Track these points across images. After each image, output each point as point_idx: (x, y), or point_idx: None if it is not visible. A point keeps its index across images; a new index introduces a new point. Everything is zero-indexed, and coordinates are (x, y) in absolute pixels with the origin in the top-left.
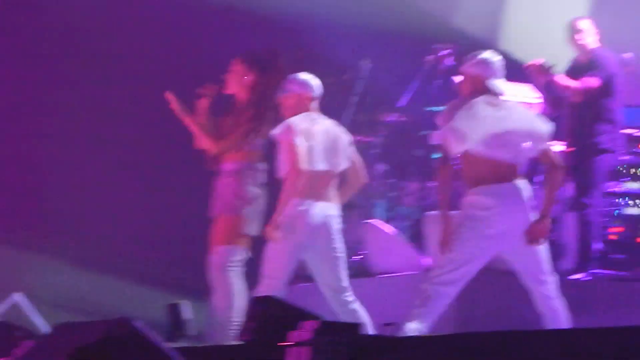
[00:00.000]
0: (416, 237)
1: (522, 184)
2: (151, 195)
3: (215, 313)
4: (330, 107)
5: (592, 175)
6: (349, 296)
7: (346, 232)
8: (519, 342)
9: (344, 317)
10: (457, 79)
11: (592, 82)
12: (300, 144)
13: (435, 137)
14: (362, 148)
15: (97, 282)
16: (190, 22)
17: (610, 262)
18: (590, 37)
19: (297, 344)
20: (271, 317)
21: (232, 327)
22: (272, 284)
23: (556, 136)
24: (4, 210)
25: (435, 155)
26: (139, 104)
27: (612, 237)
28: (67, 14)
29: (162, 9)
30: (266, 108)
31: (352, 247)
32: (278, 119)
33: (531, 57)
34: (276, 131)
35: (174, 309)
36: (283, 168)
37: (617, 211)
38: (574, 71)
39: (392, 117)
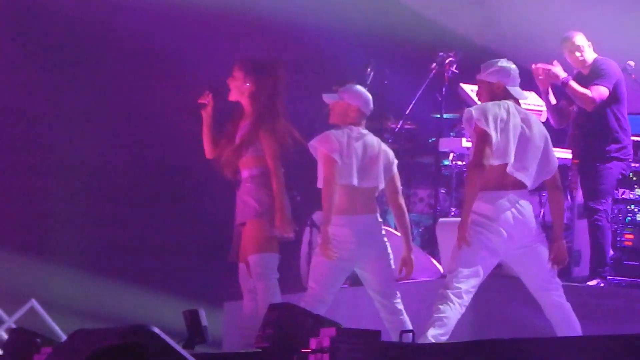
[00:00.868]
0: (428, 244)
1: (526, 193)
2: (166, 203)
3: (247, 320)
4: None
5: (602, 182)
6: (398, 303)
7: None
8: (536, 349)
9: (390, 324)
10: (464, 86)
11: (603, 91)
12: (336, 158)
13: (467, 139)
14: None
15: (111, 289)
16: (195, 30)
17: (625, 269)
18: (588, 51)
19: (316, 351)
20: (289, 324)
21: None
22: (318, 295)
23: (563, 144)
24: (20, 217)
25: (446, 162)
26: (153, 107)
27: (626, 243)
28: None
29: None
30: (270, 113)
31: None
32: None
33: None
34: (314, 141)
35: (193, 316)
36: (320, 180)
37: (628, 218)
38: (578, 83)
39: (399, 125)
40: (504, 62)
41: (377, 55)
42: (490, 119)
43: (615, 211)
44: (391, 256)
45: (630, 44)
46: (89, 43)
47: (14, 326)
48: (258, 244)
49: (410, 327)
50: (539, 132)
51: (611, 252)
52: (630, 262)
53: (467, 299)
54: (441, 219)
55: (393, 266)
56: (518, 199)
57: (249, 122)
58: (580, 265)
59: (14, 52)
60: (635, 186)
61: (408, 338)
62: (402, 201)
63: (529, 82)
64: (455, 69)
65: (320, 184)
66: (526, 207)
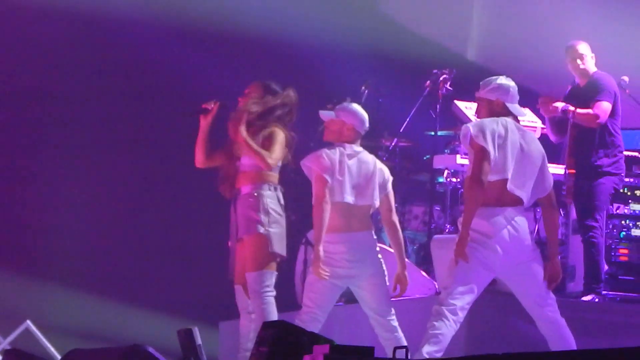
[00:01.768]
0: (423, 261)
1: (522, 210)
2: (162, 224)
3: (245, 338)
4: None
5: (596, 198)
6: (393, 320)
7: None
8: None
9: (385, 341)
10: (459, 104)
11: (606, 107)
12: (327, 177)
13: (462, 156)
14: None
15: (106, 309)
16: (193, 49)
17: (620, 284)
18: (590, 62)
19: None
20: (283, 342)
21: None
22: (313, 313)
23: (557, 159)
24: (14, 238)
25: (441, 179)
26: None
27: (621, 258)
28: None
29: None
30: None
31: None
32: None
33: (529, 81)
34: (306, 160)
35: (187, 335)
36: (313, 198)
37: (623, 233)
38: (574, 96)
39: (393, 142)
40: (503, 80)
41: (372, 73)
42: (488, 135)
43: (610, 226)
44: (386, 273)
45: (623, 59)
46: (88, 52)
47: (9, 347)
48: (258, 261)
49: (405, 344)
50: (537, 150)
51: (606, 267)
52: (625, 277)
53: (461, 315)
54: (436, 236)
55: (388, 283)
56: (514, 215)
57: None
58: (574, 281)
59: (11, 59)
60: (630, 201)
61: (402, 354)
62: (396, 219)
63: (523, 99)
64: (450, 86)
65: (313, 202)
66: (522, 223)
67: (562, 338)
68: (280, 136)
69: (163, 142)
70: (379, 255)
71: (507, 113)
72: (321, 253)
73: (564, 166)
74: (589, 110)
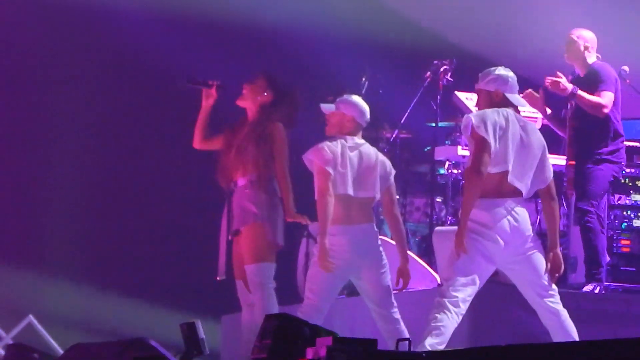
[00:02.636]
0: (425, 253)
1: (522, 201)
2: (164, 216)
3: (248, 332)
4: None
5: (591, 182)
6: (395, 313)
7: None
8: (533, 355)
9: (388, 333)
10: (459, 94)
11: (611, 96)
12: (329, 169)
13: (463, 147)
14: None
15: (109, 303)
16: (191, 41)
17: (622, 275)
18: (592, 52)
19: None
20: (286, 334)
21: None
22: (315, 305)
23: (558, 150)
24: (16, 233)
25: (442, 171)
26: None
27: (623, 249)
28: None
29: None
30: (271, 127)
31: None
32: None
33: (530, 71)
34: (308, 153)
35: (191, 328)
36: (316, 191)
37: (624, 224)
38: (575, 85)
39: (394, 134)
40: (501, 70)
41: (372, 65)
42: (489, 126)
43: (612, 217)
44: (387, 266)
45: (623, 48)
46: (85, 58)
47: (11, 342)
48: (256, 252)
49: (408, 336)
50: (537, 141)
51: (608, 258)
52: (627, 268)
53: (464, 307)
54: (437, 228)
55: (389, 276)
56: (514, 206)
57: (250, 127)
58: (576, 272)
59: (9, 64)
60: (631, 192)
61: (405, 346)
62: (397, 211)
63: (524, 89)
64: (450, 77)
65: (316, 196)
66: (522, 214)
67: (564, 329)
68: (282, 133)
69: (163, 135)
70: (380, 248)
71: (508, 103)
72: (327, 245)
73: (564, 157)
74: (597, 98)
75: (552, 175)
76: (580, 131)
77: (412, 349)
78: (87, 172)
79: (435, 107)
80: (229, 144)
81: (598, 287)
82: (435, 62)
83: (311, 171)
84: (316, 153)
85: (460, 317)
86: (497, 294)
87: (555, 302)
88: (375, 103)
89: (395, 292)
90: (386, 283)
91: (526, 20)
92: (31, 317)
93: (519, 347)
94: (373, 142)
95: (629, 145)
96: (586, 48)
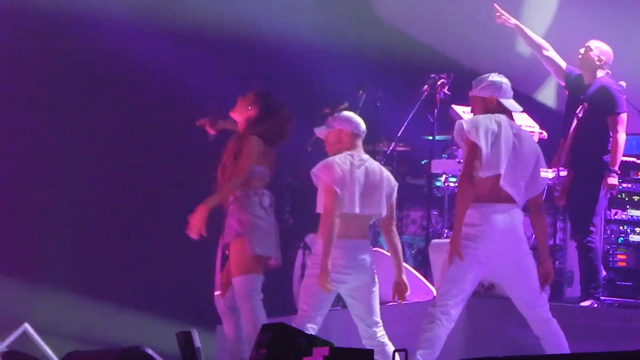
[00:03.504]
0: (421, 265)
1: (516, 207)
2: (160, 226)
3: (233, 342)
4: None
5: (597, 202)
6: (380, 330)
7: None
8: None
9: (372, 348)
10: (456, 108)
11: (625, 118)
12: (337, 188)
13: (458, 154)
14: None
15: (105, 312)
16: (187, 53)
17: (617, 289)
18: (606, 67)
19: None
20: (282, 344)
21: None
22: (308, 317)
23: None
24: (12, 241)
25: (438, 184)
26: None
27: (619, 264)
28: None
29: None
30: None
31: None
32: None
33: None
34: (316, 169)
35: (187, 337)
36: (319, 206)
37: (621, 239)
38: (576, 87)
39: (391, 147)
40: (494, 77)
41: (370, 78)
42: (481, 131)
43: (608, 232)
44: (377, 284)
45: (619, 64)
46: (82, 63)
47: (6, 350)
48: (241, 265)
49: (391, 349)
50: (530, 149)
51: (604, 273)
52: (622, 283)
53: (454, 313)
54: (434, 240)
55: (377, 294)
56: (509, 210)
57: (232, 142)
58: (572, 286)
59: (7, 66)
60: (628, 207)
61: (402, 357)
62: (394, 228)
63: (522, 105)
64: (447, 90)
65: (319, 209)
66: (517, 219)
67: (555, 338)
68: (252, 148)
69: (161, 146)
70: (373, 266)
71: (502, 109)
72: (329, 267)
73: (551, 170)
74: (621, 137)
75: (543, 186)
76: (585, 140)
77: None
78: (83, 181)
79: (432, 121)
80: (221, 159)
81: (595, 305)
82: (433, 75)
83: (316, 186)
84: (325, 170)
85: (452, 324)
86: (493, 307)
87: (545, 310)
88: (372, 116)
89: (392, 304)
90: (373, 302)
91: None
92: (27, 326)
93: (513, 358)
94: (370, 155)
95: (626, 161)
96: (600, 61)
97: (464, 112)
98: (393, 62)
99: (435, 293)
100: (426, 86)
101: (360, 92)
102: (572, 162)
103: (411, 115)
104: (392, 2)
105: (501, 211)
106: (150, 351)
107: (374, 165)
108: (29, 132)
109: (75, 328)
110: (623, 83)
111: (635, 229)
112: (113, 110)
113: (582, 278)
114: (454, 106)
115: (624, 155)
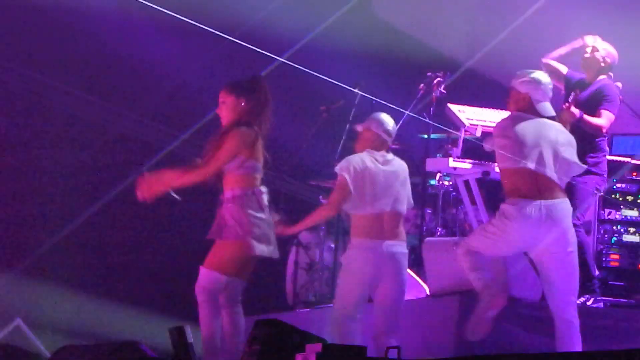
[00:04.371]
0: (414, 264)
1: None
2: (154, 222)
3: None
4: (322, 135)
5: (577, 196)
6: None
7: None
8: None
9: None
10: (452, 107)
11: (611, 117)
12: (351, 187)
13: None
14: None
15: (98, 307)
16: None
17: (610, 289)
18: (610, 69)
19: None
20: (275, 340)
21: (225, 353)
22: (342, 313)
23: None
24: (5, 236)
25: (433, 182)
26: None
27: (612, 264)
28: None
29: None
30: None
31: None
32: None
33: None
34: (338, 166)
35: (179, 332)
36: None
37: (614, 238)
38: (577, 86)
39: None
40: (537, 74)
41: (366, 76)
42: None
43: (602, 231)
44: (405, 288)
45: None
46: (82, 56)
47: None
48: (235, 267)
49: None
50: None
51: (597, 272)
52: (615, 283)
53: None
54: (428, 239)
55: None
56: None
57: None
58: None
59: (3, 60)
60: (621, 207)
61: (394, 354)
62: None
63: (499, 100)
64: (444, 89)
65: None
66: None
67: (572, 340)
68: (232, 141)
69: (157, 137)
70: (404, 264)
71: (532, 110)
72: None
73: None
74: (598, 121)
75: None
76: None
77: (401, 357)
78: (80, 177)
79: (427, 119)
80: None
81: (592, 299)
82: (429, 74)
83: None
84: (344, 165)
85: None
86: None
87: (573, 310)
88: (368, 114)
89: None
90: (393, 312)
91: (521, 34)
92: (19, 320)
93: (506, 357)
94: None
95: (621, 161)
96: (605, 63)
97: (459, 110)
98: (389, 60)
99: (428, 291)
100: (422, 84)
101: (357, 89)
102: None
103: (407, 113)
104: (391, 1)
105: (532, 208)
106: (143, 346)
107: (396, 163)
108: (28, 128)
109: (68, 323)
110: (619, 84)
111: (629, 229)
112: (114, 102)
113: None
114: (449, 105)
115: (619, 155)
